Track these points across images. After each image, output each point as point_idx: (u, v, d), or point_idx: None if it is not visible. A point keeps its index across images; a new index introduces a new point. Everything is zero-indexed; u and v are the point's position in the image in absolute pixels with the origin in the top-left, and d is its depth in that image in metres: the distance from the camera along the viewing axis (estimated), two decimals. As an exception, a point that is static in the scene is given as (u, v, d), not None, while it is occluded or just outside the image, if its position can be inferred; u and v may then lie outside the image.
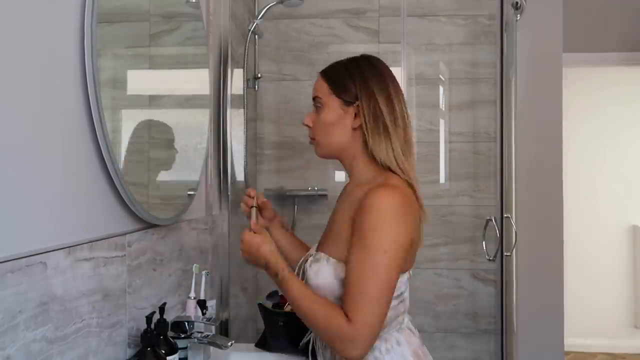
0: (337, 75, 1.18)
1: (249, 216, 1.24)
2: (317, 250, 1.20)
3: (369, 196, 1.06)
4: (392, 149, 1.12)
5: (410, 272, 1.18)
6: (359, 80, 1.15)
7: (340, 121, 1.16)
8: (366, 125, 1.12)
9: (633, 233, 4.05)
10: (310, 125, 1.21)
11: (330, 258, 1.13)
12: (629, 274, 4.06)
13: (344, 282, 1.07)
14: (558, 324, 2.34)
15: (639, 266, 4.01)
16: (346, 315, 1.02)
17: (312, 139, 1.22)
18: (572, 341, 3.59)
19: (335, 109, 1.16)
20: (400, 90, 1.18)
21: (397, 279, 1.07)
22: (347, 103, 1.15)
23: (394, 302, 1.11)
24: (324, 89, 1.18)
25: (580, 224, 3.93)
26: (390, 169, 1.13)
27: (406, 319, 1.21)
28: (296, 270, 1.22)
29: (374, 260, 1.02)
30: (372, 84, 1.14)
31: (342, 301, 1.05)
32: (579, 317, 3.74)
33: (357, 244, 1.05)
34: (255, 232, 1.16)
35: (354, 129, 1.15)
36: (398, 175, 1.12)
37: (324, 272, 1.12)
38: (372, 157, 1.14)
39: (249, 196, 1.29)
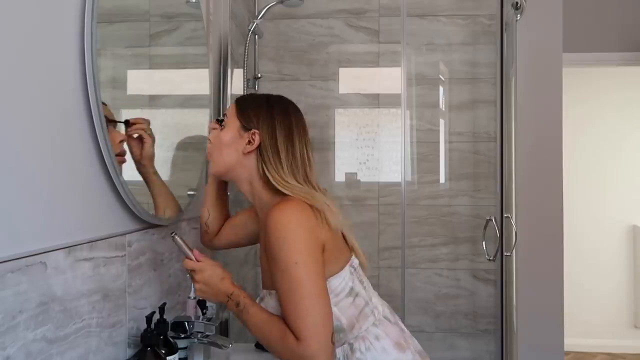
0: (246, 103, 1.25)
1: (180, 247, 1.16)
2: (262, 288, 1.24)
3: (268, 217, 1.09)
4: (288, 173, 1.17)
5: (354, 264, 1.20)
6: (264, 111, 1.21)
7: (233, 143, 1.21)
8: (261, 152, 1.18)
9: (633, 233, 4.05)
10: (211, 140, 1.27)
11: (272, 291, 1.16)
12: (629, 274, 4.05)
13: (281, 307, 1.09)
14: (558, 324, 2.34)
15: (639, 266, 4.01)
16: (294, 335, 1.04)
17: (210, 154, 1.27)
18: (572, 341, 3.59)
19: (233, 130, 1.22)
20: (305, 134, 1.23)
21: (324, 281, 1.08)
22: (245, 129, 1.21)
23: (347, 300, 1.15)
24: (232, 109, 1.25)
25: (580, 223, 3.93)
26: (283, 191, 1.15)
27: (381, 308, 1.22)
28: None
29: (290, 276, 1.05)
30: (276, 118, 1.20)
31: (286, 322, 1.07)
32: (579, 317, 3.74)
33: (274, 267, 1.08)
34: (199, 261, 1.14)
35: (244, 154, 1.20)
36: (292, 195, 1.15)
37: (271, 307, 1.15)
38: (267, 182, 1.18)
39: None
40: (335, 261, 1.15)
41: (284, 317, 1.08)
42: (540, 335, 2.33)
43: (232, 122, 1.23)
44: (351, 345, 1.16)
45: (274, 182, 1.16)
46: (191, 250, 1.15)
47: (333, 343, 1.06)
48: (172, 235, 1.15)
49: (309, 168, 1.21)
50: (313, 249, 1.08)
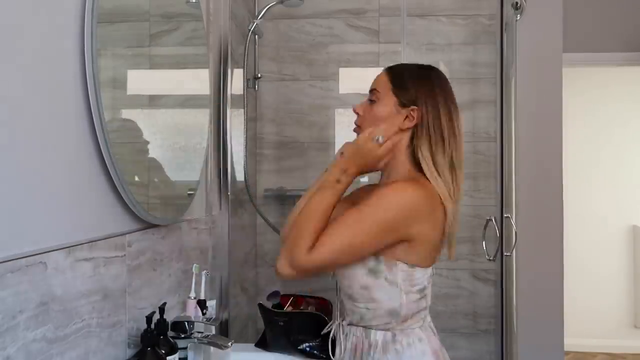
0: (402, 75, 1.20)
1: None
2: None
3: (390, 185, 1.11)
4: (435, 158, 1.15)
5: (433, 270, 1.22)
6: (425, 87, 1.17)
7: (390, 119, 1.17)
8: (417, 129, 1.15)
9: (633, 233, 4.05)
10: (361, 113, 1.23)
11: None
12: (628, 274, 4.06)
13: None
14: (558, 324, 2.34)
15: (639, 266, 4.01)
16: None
17: (358, 126, 1.24)
18: (572, 341, 3.58)
19: (389, 105, 1.18)
20: (459, 112, 1.21)
21: (368, 243, 1.09)
22: (403, 105, 1.17)
23: (415, 296, 1.17)
24: (384, 84, 1.20)
25: (580, 223, 3.93)
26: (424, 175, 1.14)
27: (429, 319, 1.25)
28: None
29: (361, 213, 1.08)
30: (438, 97, 1.17)
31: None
32: (578, 317, 3.74)
33: (360, 203, 1.10)
34: None
35: (402, 131, 1.17)
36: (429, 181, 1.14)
37: (350, 271, 1.15)
38: (412, 159, 1.17)
39: None
40: (429, 256, 1.17)
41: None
42: (540, 335, 2.33)
43: (387, 97, 1.18)
44: (394, 335, 1.17)
45: (424, 163, 1.14)
46: None
47: (310, 275, 1.10)
48: None
49: (457, 149, 1.18)
50: (394, 225, 1.08)
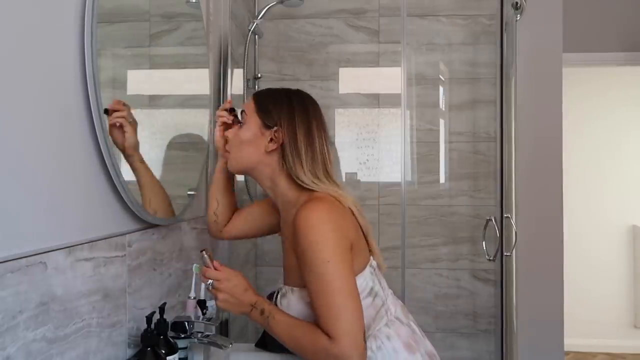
0: (265, 99, 1.24)
1: (205, 261, 1.16)
2: (283, 284, 1.22)
3: (297, 217, 1.08)
4: (309, 170, 1.16)
5: (373, 264, 1.20)
6: (285, 108, 1.20)
7: (254, 141, 1.20)
8: (284, 149, 1.17)
9: (633, 233, 4.05)
10: (230, 136, 1.26)
11: (294, 288, 1.16)
12: (629, 274, 4.05)
13: (312, 307, 1.08)
14: (558, 324, 2.34)
15: (639, 266, 4.01)
16: (327, 335, 1.03)
17: (226, 151, 1.27)
18: (572, 341, 3.59)
19: (254, 128, 1.21)
20: (324, 128, 1.23)
21: (353, 278, 1.08)
22: (266, 126, 1.20)
23: (368, 300, 1.15)
24: (251, 107, 1.24)
25: (580, 223, 3.93)
26: (309, 188, 1.16)
27: (393, 309, 1.22)
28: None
29: (322, 274, 1.05)
30: (296, 114, 1.20)
31: (318, 323, 1.06)
32: (578, 317, 3.74)
33: (304, 266, 1.08)
34: (219, 271, 1.14)
35: (267, 152, 1.19)
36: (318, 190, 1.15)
37: (293, 304, 1.15)
38: (291, 179, 1.18)
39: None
40: (358, 261, 1.15)
41: (315, 317, 1.07)
42: (540, 335, 2.33)
43: (252, 120, 1.21)
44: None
45: (299, 181, 1.16)
46: (212, 262, 1.15)
47: (364, 341, 1.05)
48: (202, 251, 1.16)
49: (329, 163, 1.20)
50: (343, 248, 1.08)
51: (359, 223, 1.18)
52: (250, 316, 1.13)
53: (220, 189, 1.40)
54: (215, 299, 1.15)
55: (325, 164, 1.19)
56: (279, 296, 1.21)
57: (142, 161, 1.27)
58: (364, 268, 1.16)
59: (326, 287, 1.04)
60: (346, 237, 1.10)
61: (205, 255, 1.15)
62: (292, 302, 1.15)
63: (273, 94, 1.25)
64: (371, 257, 1.21)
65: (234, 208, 1.43)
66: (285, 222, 1.22)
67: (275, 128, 1.18)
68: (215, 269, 1.14)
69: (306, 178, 1.15)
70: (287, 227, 1.20)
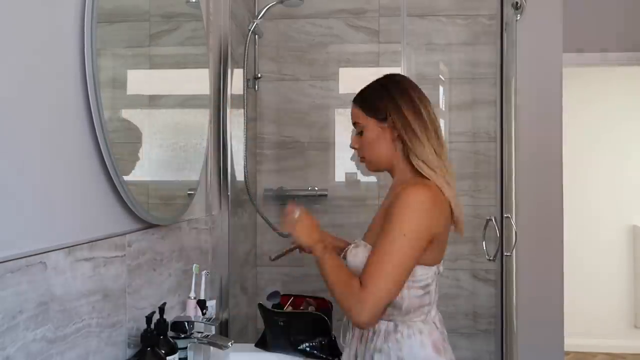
0: (366, 99, 1.33)
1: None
2: (362, 239, 1.32)
3: (403, 191, 1.19)
4: (424, 156, 1.24)
5: (440, 268, 1.28)
6: (386, 99, 1.28)
7: (380, 137, 1.29)
8: (401, 136, 1.26)
9: (633, 233, 4.05)
10: (357, 147, 1.35)
11: (368, 244, 1.25)
12: (629, 274, 4.06)
13: (367, 259, 1.19)
14: (558, 324, 2.34)
15: (639, 266, 4.01)
16: (360, 283, 1.15)
17: (362, 157, 1.36)
18: (572, 341, 3.58)
19: (373, 128, 1.30)
20: (425, 98, 1.30)
21: (413, 264, 1.18)
22: (381, 120, 1.29)
23: (418, 292, 1.23)
24: (359, 114, 1.32)
25: (580, 223, 3.93)
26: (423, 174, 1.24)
27: (434, 313, 1.30)
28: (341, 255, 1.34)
29: (393, 241, 1.15)
30: (399, 100, 1.27)
31: (363, 269, 1.17)
32: (578, 317, 3.74)
33: (384, 228, 1.18)
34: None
35: (394, 141, 1.28)
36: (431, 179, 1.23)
37: (360, 255, 1.24)
38: (407, 162, 1.27)
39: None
40: (432, 254, 1.23)
41: (364, 267, 1.17)
42: (540, 335, 2.33)
43: (367, 122, 1.30)
44: (396, 326, 1.23)
45: (417, 167, 1.24)
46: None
47: (382, 312, 1.18)
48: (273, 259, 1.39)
49: (438, 141, 1.26)
50: (424, 234, 1.17)
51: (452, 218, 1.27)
52: (315, 249, 1.25)
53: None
54: (294, 227, 1.28)
55: (434, 143, 1.25)
56: (351, 246, 1.30)
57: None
58: (433, 264, 1.25)
59: (388, 251, 1.15)
60: (433, 225, 1.19)
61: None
62: (360, 252, 1.25)
63: (370, 91, 1.34)
64: (441, 262, 1.29)
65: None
66: (393, 190, 1.31)
67: (389, 118, 1.26)
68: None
69: (422, 165, 1.23)
70: (391, 195, 1.30)
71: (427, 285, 1.24)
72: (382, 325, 1.24)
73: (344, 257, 1.30)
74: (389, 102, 1.27)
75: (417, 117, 1.25)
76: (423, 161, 1.23)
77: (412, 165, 1.25)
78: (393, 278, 1.15)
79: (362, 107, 1.32)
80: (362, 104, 1.32)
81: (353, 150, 1.38)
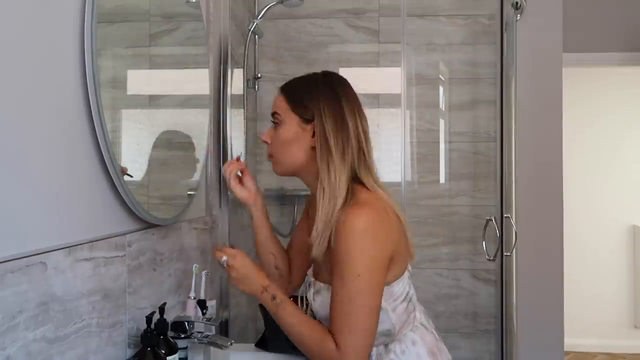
0: (295, 92, 1.17)
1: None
2: (314, 277, 1.20)
3: (339, 223, 1.04)
4: (344, 170, 1.10)
5: (410, 269, 1.18)
6: (315, 98, 1.13)
7: (298, 139, 1.14)
8: (320, 143, 1.11)
9: (633, 233, 4.05)
10: (268, 141, 1.20)
11: (330, 286, 1.11)
12: (629, 274, 4.05)
13: (330, 308, 1.06)
14: (558, 324, 2.34)
15: (639, 266, 4.01)
16: (335, 343, 1.03)
17: (270, 155, 1.21)
18: (572, 341, 3.59)
19: (293, 126, 1.14)
20: (357, 107, 1.16)
21: (379, 297, 1.06)
22: (306, 121, 1.14)
23: (402, 305, 1.13)
24: (283, 105, 1.17)
25: (580, 223, 3.93)
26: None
27: (418, 315, 1.21)
28: (299, 298, 1.23)
29: (350, 287, 1.02)
30: (325, 105, 1.12)
31: (330, 327, 1.05)
32: (579, 317, 3.74)
33: (334, 271, 1.05)
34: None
35: (313, 148, 1.13)
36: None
37: (326, 304, 1.11)
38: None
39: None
40: (399, 266, 1.12)
41: (330, 321, 1.05)
42: (540, 335, 2.33)
43: (289, 117, 1.15)
44: (386, 346, 1.15)
45: (332, 181, 1.09)
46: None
47: None
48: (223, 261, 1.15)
49: (366, 153, 1.13)
50: (379, 264, 1.05)
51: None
52: (261, 298, 1.11)
53: (269, 241, 1.32)
54: (229, 276, 1.13)
55: (361, 152, 1.12)
56: (311, 292, 1.18)
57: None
58: (403, 271, 1.14)
59: (349, 301, 1.02)
60: (386, 248, 1.06)
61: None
62: (327, 301, 1.11)
63: (303, 83, 1.18)
64: (408, 264, 1.18)
65: (284, 251, 1.36)
66: (312, 206, 1.19)
67: (314, 121, 1.12)
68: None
69: (342, 180, 1.08)
70: (312, 208, 1.17)
71: (407, 294, 1.15)
72: (373, 351, 1.13)
73: (306, 301, 1.19)
74: (317, 105, 1.12)
75: (339, 129, 1.10)
76: (342, 170, 1.09)
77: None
78: (366, 324, 1.03)
79: (288, 99, 1.16)
80: (290, 96, 1.16)
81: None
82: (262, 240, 1.32)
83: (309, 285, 1.21)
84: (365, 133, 1.15)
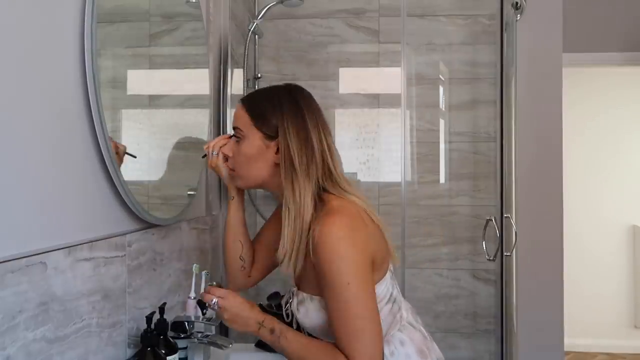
0: (258, 107, 1.14)
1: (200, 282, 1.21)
2: (297, 288, 1.19)
3: (315, 234, 1.03)
4: (309, 187, 1.09)
5: (391, 268, 1.17)
6: (279, 114, 1.11)
7: (261, 155, 1.13)
8: (284, 161, 1.09)
9: (633, 233, 4.05)
10: (230, 154, 1.19)
11: (313, 296, 1.11)
12: (629, 274, 4.05)
13: (331, 325, 1.05)
14: (558, 324, 2.34)
15: (639, 266, 4.01)
16: (346, 356, 1.01)
17: (232, 170, 1.20)
18: (572, 341, 3.59)
19: (256, 141, 1.13)
20: (320, 121, 1.15)
21: (374, 299, 1.04)
22: (269, 137, 1.12)
23: (387, 306, 1.13)
24: (245, 119, 1.14)
25: (580, 223, 3.93)
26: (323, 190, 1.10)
27: (405, 314, 1.20)
28: (284, 313, 1.21)
29: (343, 297, 1.01)
30: (289, 121, 1.11)
31: (336, 343, 1.03)
32: (579, 317, 3.74)
33: (324, 286, 1.04)
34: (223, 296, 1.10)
35: (277, 164, 1.12)
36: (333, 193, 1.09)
37: (312, 313, 1.12)
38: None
39: None
40: (381, 267, 1.11)
41: (334, 336, 1.03)
42: (540, 335, 2.33)
43: (251, 133, 1.13)
44: None
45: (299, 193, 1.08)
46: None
47: None
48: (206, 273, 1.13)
49: (332, 164, 1.11)
50: (364, 266, 1.03)
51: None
52: (259, 334, 1.09)
53: (240, 227, 1.29)
54: (222, 318, 1.11)
55: (326, 167, 1.11)
56: (294, 302, 1.17)
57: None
58: (385, 273, 1.13)
59: (347, 310, 1.01)
60: (366, 251, 1.04)
61: (206, 275, 1.15)
62: (311, 310, 1.11)
63: (265, 97, 1.15)
64: (389, 264, 1.17)
65: (251, 243, 1.35)
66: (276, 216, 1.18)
67: (278, 138, 1.10)
68: (213, 292, 1.11)
69: (307, 197, 1.07)
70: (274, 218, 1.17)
71: (391, 295, 1.14)
72: None
73: (291, 314, 1.17)
74: (284, 120, 1.10)
75: (304, 145, 1.09)
76: (309, 182, 1.08)
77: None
78: (370, 328, 1.01)
79: (250, 114, 1.13)
80: (252, 110, 1.14)
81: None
82: (234, 224, 1.30)
83: (292, 294, 1.20)
84: (330, 147, 1.14)
